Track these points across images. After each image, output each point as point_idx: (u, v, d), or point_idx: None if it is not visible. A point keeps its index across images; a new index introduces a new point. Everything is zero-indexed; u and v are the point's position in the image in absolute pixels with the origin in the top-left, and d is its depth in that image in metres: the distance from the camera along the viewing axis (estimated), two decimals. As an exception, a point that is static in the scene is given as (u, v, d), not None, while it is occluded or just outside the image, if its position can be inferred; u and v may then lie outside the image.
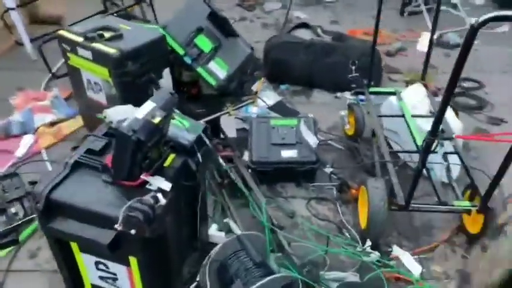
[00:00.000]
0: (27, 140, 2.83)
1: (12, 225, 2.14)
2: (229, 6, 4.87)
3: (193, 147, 1.58)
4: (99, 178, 1.48)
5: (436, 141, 1.67)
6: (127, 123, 1.29)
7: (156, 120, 1.35)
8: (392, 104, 2.73)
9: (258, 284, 1.53)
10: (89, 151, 1.54)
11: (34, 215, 2.22)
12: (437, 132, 1.64)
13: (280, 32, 4.04)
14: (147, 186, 1.46)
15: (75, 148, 1.58)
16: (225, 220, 2.00)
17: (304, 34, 3.60)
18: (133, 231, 1.33)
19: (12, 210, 2.23)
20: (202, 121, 2.41)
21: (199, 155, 1.57)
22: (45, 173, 2.55)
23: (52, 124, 3.01)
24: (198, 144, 1.61)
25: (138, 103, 2.32)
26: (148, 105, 1.37)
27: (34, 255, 2.13)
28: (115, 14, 3.52)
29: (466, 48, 1.46)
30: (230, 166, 2.42)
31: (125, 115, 1.67)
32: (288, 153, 2.48)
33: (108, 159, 1.47)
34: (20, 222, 2.17)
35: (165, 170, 1.54)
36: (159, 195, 1.41)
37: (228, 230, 2.16)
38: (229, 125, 2.87)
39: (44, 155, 2.74)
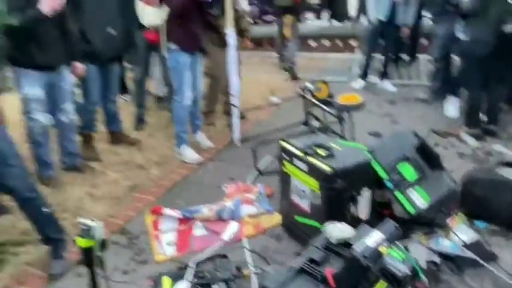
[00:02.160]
0: (233, 226, 3.29)
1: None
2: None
3: (406, 280, 1.65)
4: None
5: None
6: (360, 249, 1.47)
7: (382, 250, 1.50)
8: None
9: None
10: (311, 260, 1.76)
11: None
12: None
13: (481, 166, 3.91)
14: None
15: (297, 254, 1.82)
16: None
17: (509, 173, 3.40)
18: None
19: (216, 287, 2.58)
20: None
21: (410, 289, 1.62)
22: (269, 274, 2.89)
23: (253, 216, 3.44)
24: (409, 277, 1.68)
25: (337, 215, 2.57)
26: (378, 235, 1.53)
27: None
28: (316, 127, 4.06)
29: None
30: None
31: (342, 234, 1.88)
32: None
33: (327, 272, 1.65)
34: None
35: (375, 295, 1.63)
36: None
37: None
38: (420, 254, 2.81)
39: (245, 243, 3.13)
